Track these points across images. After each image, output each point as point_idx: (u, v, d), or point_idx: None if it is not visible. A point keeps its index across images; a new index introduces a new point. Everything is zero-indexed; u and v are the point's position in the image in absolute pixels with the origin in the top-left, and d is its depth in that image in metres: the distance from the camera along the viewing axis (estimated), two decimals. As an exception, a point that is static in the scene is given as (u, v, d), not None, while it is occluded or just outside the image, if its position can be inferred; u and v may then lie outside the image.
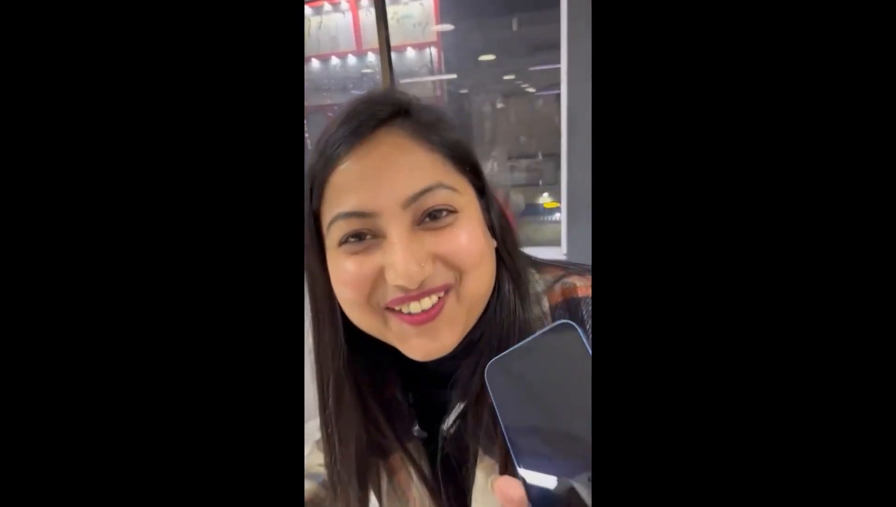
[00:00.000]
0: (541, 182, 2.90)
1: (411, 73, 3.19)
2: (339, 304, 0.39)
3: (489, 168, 3.09)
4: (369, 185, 0.36)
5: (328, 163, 0.37)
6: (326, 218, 0.37)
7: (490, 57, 3.09)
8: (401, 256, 0.35)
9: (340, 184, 0.36)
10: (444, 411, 0.43)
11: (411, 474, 0.45)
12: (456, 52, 3.10)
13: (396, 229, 0.35)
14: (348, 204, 0.36)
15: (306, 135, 3.20)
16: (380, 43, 1.87)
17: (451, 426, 0.42)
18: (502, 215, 0.43)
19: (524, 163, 3.07)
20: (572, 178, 2.05)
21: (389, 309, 0.37)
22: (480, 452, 0.41)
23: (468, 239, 0.37)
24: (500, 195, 0.44)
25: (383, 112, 0.37)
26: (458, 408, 0.42)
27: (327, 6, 3.18)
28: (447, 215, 0.37)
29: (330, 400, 0.42)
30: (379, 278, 0.36)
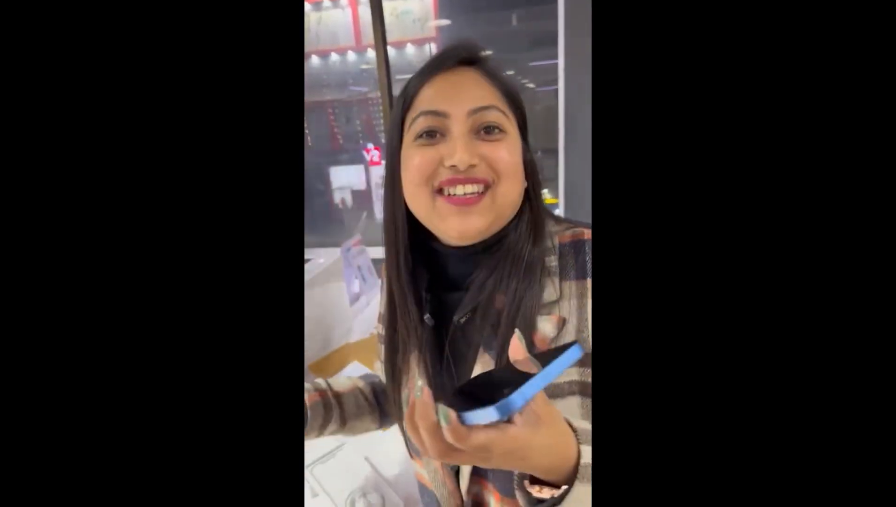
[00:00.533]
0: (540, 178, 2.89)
1: (411, 69, 3.19)
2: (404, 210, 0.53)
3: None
4: (447, 94, 0.49)
5: (421, 80, 0.51)
6: (410, 117, 0.51)
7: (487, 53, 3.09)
8: (459, 144, 0.47)
9: (426, 94, 0.50)
10: (454, 311, 0.52)
11: (416, 358, 0.56)
12: (455, 47, 3.10)
13: (459, 129, 0.48)
14: (430, 105, 0.49)
15: (306, 131, 3.20)
16: (375, 39, 1.86)
17: (462, 316, 0.51)
18: (534, 163, 0.53)
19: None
20: (570, 174, 2.04)
21: (439, 192, 0.49)
22: (481, 349, 0.50)
23: (508, 154, 0.49)
24: None
25: (464, 53, 0.51)
26: (471, 304, 0.51)
27: (327, 2, 3.17)
28: (497, 133, 0.49)
29: (388, 289, 0.57)
30: (438, 165, 0.48)
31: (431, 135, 0.49)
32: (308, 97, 3.21)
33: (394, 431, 0.97)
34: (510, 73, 3.11)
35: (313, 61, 3.23)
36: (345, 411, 0.69)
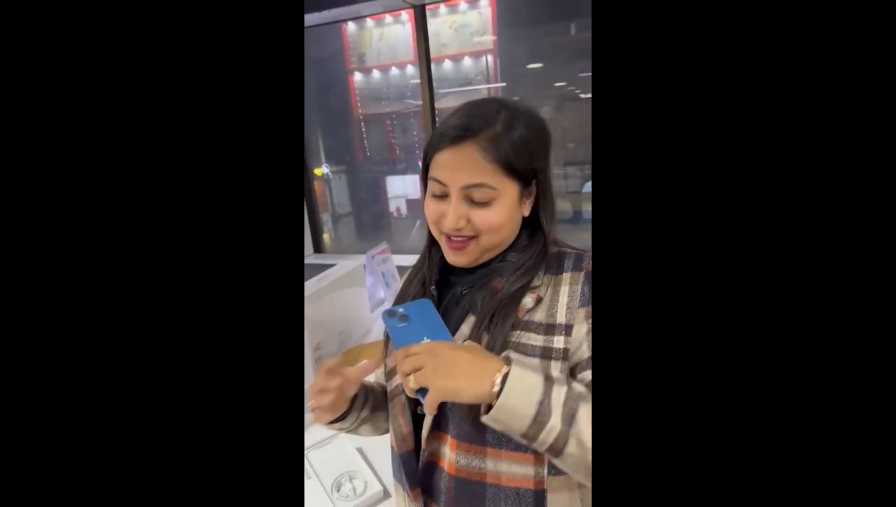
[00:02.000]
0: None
1: (468, 82, 3.25)
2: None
3: (533, 175, 3.08)
4: (447, 168, 0.61)
5: (437, 146, 0.62)
6: (430, 174, 0.63)
7: (539, 65, 3.07)
8: (451, 212, 0.61)
9: (438, 162, 0.61)
10: (455, 289, 0.69)
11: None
12: (511, 59, 3.11)
13: (455, 198, 0.61)
14: (436, 174, 0.61)
15: (365, 142, 3.34)
16: (419, 55, 1.94)
17: (464, 288, 0.67)
18: (547, 199, 0.65)
19: (573, 170, 3.01)
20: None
21: (445, 235, 0.64)
22: (469, 313, 0.65)
23: (494, 217, 0.61)
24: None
25: (475, 126, 0.60)
26: (471, 282, 0.67)
27: (388, 18, 3.32)
28: (486, 202, 0.60)
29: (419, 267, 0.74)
30: (441, 217, 0.62)
31: (439, 194, 0.63)
32: (368, 109, 3.36)
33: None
34: (561, 84, 3.09)
35: (374, 75, 3.38)
36: (376, 398, 0.77)
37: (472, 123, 0.59)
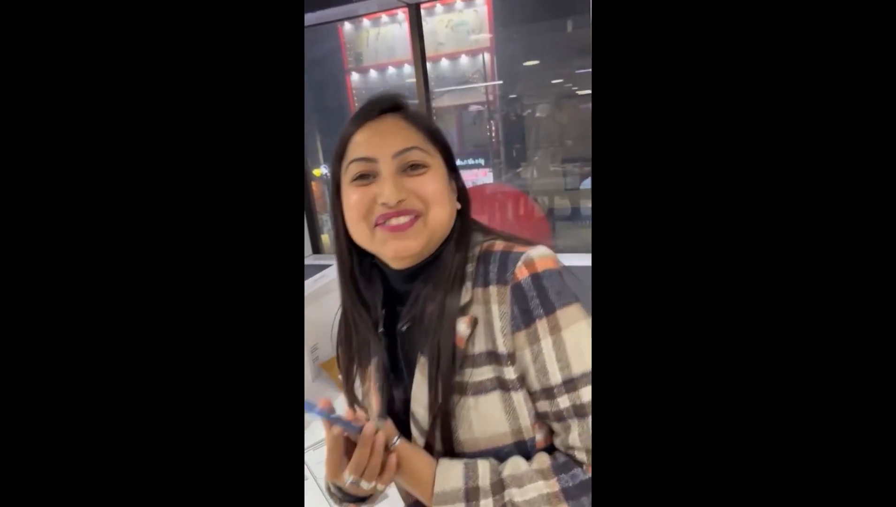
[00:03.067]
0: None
1: (464, 80, 3.25)
2: (347, 235, 0.61)
3: (531, 174, 3.07)
4: (374, 141, 0.57)
5: (352, 129, 0.58)
6: (345, 162, 0.58)
7: (535, 62, 3.07)
8: (388, 184, 0.54)
9: (357, 141, 0.57)
10: (400, 320, 0.63)
11: (372, 363, 0.66)
12: (508, 57, 3.11)
13: (387, 170, 0.55)
14: (360, 152, 0.56)
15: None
16: (414, 55, 1.94)
17: (403, 325, 0.61)
18: (464, 187, 0.62)
19: (571, 167, 3.01)
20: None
21: (378, 225, 0.57)
22: (419, 354, 0.59)
23: (433, 186, 0.57)
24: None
25: (386, 104, 0.58)
26: (409, 315, 0.61)
27: (385, 18, 3.32)
28: (421, 169, 0.56)
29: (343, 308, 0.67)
30: (372, 203, 0.56)
31: (365, 177, 0.57)
32: (365, 109, 3.35)
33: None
34: (558, 81, 3.08)
35: (371, 75, 3.38)
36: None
37: (392, 99, 0.58)
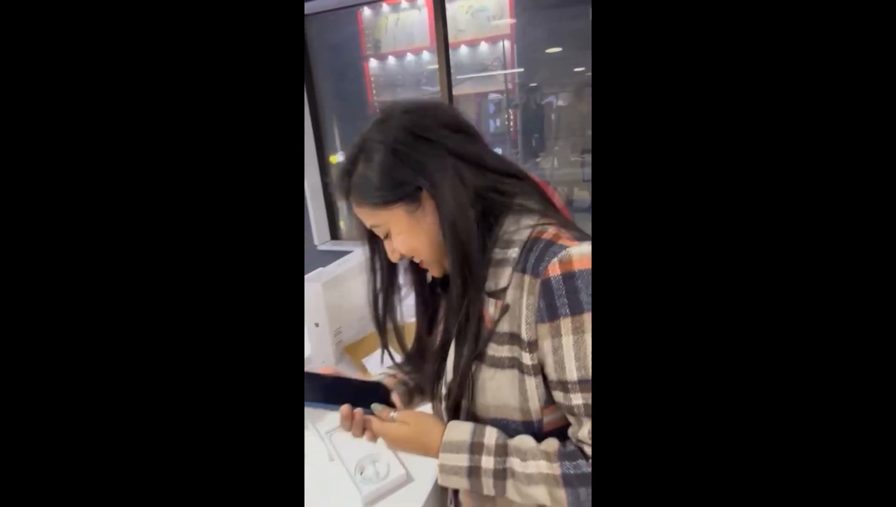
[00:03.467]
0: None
1: (484, 68, 3.20)
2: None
3: (550, 164, 3.04)
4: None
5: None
6: None
7: (558, 49, 3.02)
8: (387, 248, 0.66)
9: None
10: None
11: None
12: (529, 44, 3.06)
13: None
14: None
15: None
16: (437, 41, 1.91)
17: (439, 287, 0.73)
18: (446, 198, 0.61)
19: (591, 158, 2.97)
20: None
21: None
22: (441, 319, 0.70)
23: (400, 246, 0.64)
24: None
25: (340, 187, 0.65)
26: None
27: (404, 4, 3.28)
28: (387, 236, 0.64)
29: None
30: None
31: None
32: (383, 97, 3.33)
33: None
34: (580, 69, 3.03)
35: (390, 62, 3.35)
36: (420, 385, 0.83)
37: (338, 185, 0.65)
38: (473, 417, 0.62)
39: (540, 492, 0.55)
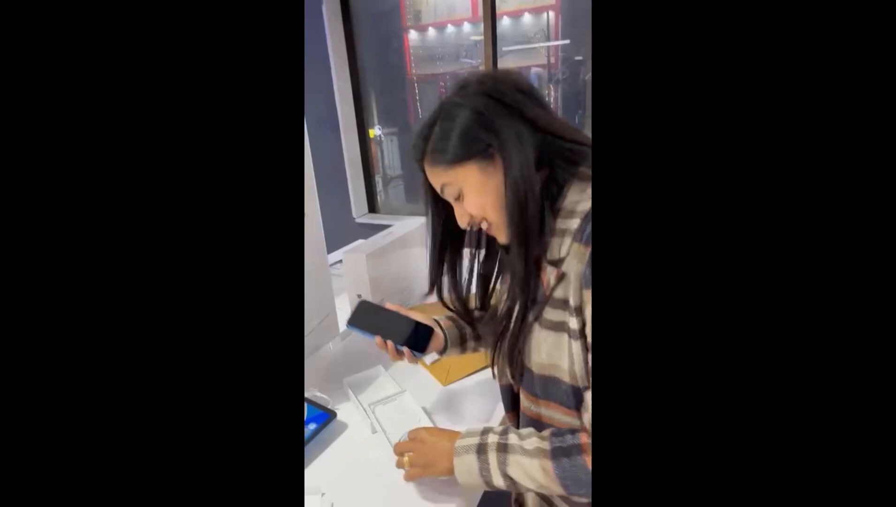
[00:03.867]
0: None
1: (527, 40, 3.11)
2: None
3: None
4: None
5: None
6: None
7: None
8: (456, 212, 0.72)
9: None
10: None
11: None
12: (575, 15, 2.96)
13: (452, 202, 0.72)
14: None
15: (418, 104, 3.30)
16: (484, 12, 1.86)
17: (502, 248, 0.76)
18: (512, 161, 0.62)
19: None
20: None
21: None
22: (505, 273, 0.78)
23: (470, 206, 0.68)
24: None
25: (418, 154, 0.70)
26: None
27: (447, -27, 3.20)
28: (459, 196, 0.68)
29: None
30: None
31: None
32: (422, 70, 3.29)
33: (449, 389, 1.05)
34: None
35: (430, 34, 3.29)
36: (475, 330, 0.91)
37: (414, 146, 0.69)
38: (529, 373, 0.68)
39: (534, 466, 0.62)
